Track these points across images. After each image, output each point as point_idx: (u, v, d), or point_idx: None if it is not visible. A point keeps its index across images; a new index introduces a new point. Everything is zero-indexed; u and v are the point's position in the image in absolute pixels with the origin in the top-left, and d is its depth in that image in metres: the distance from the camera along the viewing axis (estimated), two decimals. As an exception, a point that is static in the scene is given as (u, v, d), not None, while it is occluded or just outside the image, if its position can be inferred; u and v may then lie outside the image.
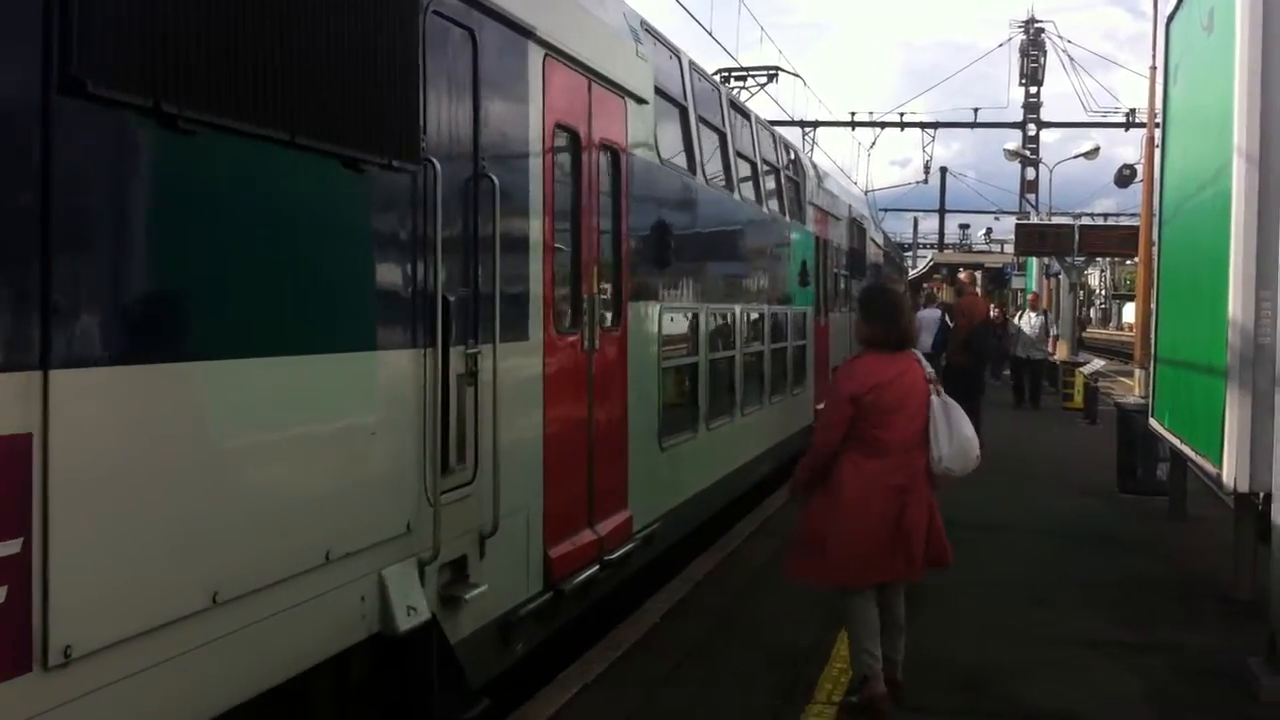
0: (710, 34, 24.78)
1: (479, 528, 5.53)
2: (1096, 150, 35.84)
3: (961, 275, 27.37)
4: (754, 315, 12.11)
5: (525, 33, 6.03)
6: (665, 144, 8.88)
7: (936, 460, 5.98)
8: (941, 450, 5.96)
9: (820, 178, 17.15)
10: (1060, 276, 30.50)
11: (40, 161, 3.07)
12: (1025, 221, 32.68)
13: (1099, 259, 46.90)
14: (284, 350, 4.06)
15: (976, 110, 44.89)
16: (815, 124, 42.92)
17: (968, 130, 45.78)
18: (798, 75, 23.13)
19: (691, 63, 10.00)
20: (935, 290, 35.66)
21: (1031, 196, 42.78)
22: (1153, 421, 10.61)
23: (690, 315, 9.69)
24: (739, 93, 17.39)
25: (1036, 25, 43.63)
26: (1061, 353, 28.89)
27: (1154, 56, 17.14)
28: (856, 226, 20.13)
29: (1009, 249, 43.53)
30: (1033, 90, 43.96)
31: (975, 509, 11.58)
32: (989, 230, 70.42)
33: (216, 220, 3.75)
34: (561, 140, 6.66)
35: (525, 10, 5.94)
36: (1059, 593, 8.48)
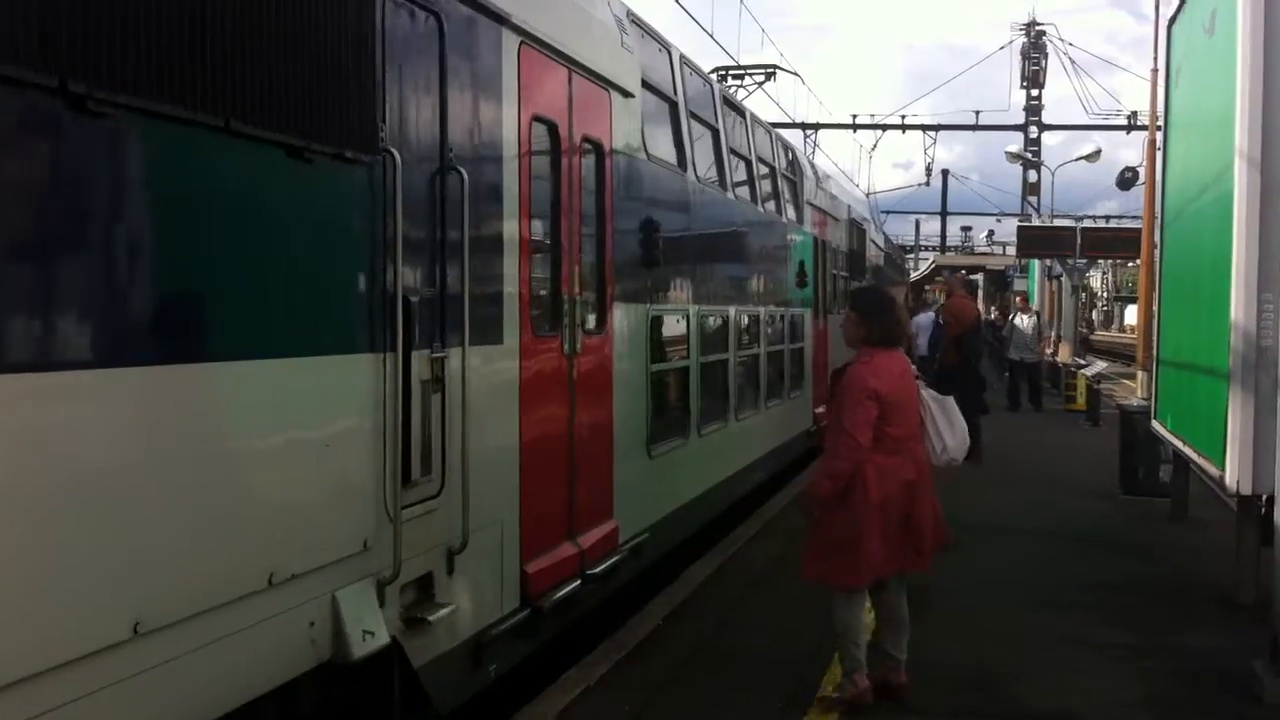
0: (711, 35, 24.84)
1: (447, 543, 5.22)
2: (1098, 153, 35.82)
3: (951, 277, 27.28)
4: (749, 317, 11.86)
5: (498, 19, 5.72)
6: (654, 140, 8.57)
7: (940, 451, 6.17)
8: (946, 441, 6.18)
9: (819, 178, 16.92)
10: (1062, 279, 30.49)
11: None
12: (1027, 224, 32.70)
13: (1101, 261, 46.91)
14: (215, 356, 3.75)
15: (978, 113, 44.80)
16: (816, 126, 43.02)
17: (970, 133, 45.79)
18: (796, 74, 22.99)
19: (683, 56, 9.70)
20: (936, 292, 35.61)
21: (1033, 199, 42.79)
22: (1155, 424, 10.61)
23: (681, 318, 9.42)
24: (736, 91, 17.13)
25: (1038, 28, 43.65)
26: (1064, 355, 28.90)
27: (1155, 59, 17.14)
28: (856, 227, 19.96)
29: (1011, 251, 43.53)
30: (1034, 93, 43.97)
31: (977, 510, 11.60)
32: (991, 232, 70.40)
33: (135, 212, 3.46)
34: (540, 134, 6.34)
35: None
36: (1061, 595, 8.46)
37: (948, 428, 6.19)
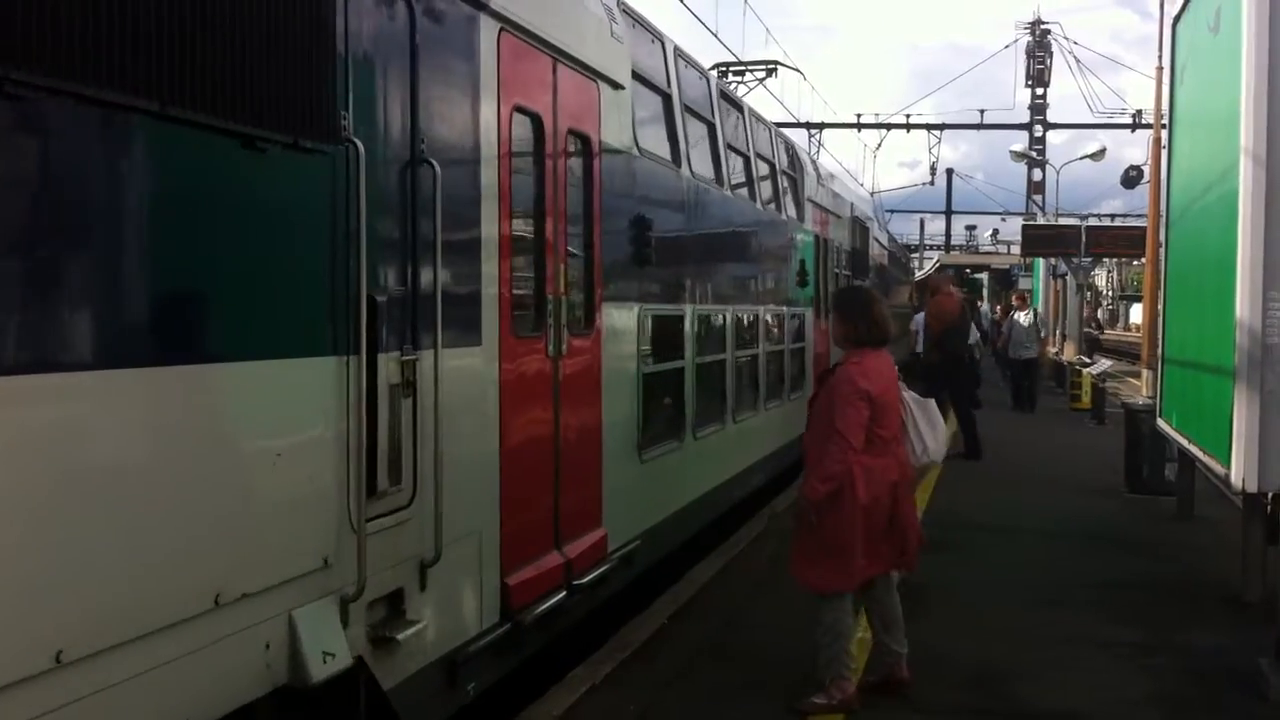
0: (715, 35, 24.87)
1: (419, 556, 4.93)
2: (1103, 151, 35.84)
3: (935, 275, 27.20)
4: (747, 317, 11.58)
5: (475, 4, 5.43)
6: (645, 134, 8.27)
7: (920, 453, 6.18)
8: (927, 443, 6.21)
9: (820, 175, 16.71)
10: (1067, 278, 30.49)
11: None
12: (1032, 222, 32.69)
13: (1106, 260, 46.87)
14: (151, 360, 3.45)
15: (983, 112, 44.81)
16: (821, 126, 43.04)
17: (975, 132, 45.80)
18: (797, 70, 22.84)
19: (677, 48, 9.40)
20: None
21: (1038, 198, 42.77)
22: (1160, 422, 10.61)
23: (675, 317, 9.14)
24: (737, 88, 16.90)
25: (1043, 27, 43.62)
26: (1069, 353, 28.88)
27: (1160, 57, 17.12)
28: (859, 225, 19.79)
29: (1016, 250, 43.51)
30: (1039, 92, 43.94)
31: (983, 509, 11.66)
32: (995, 231, 70.45)
33: (60, 206, 3.17)
34: (522, 125, 6.03)
35: None
36: (1066, 593, 8.43)
37: (928, 429, 6.22)
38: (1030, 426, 19.67)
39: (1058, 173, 42.07)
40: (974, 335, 19.81)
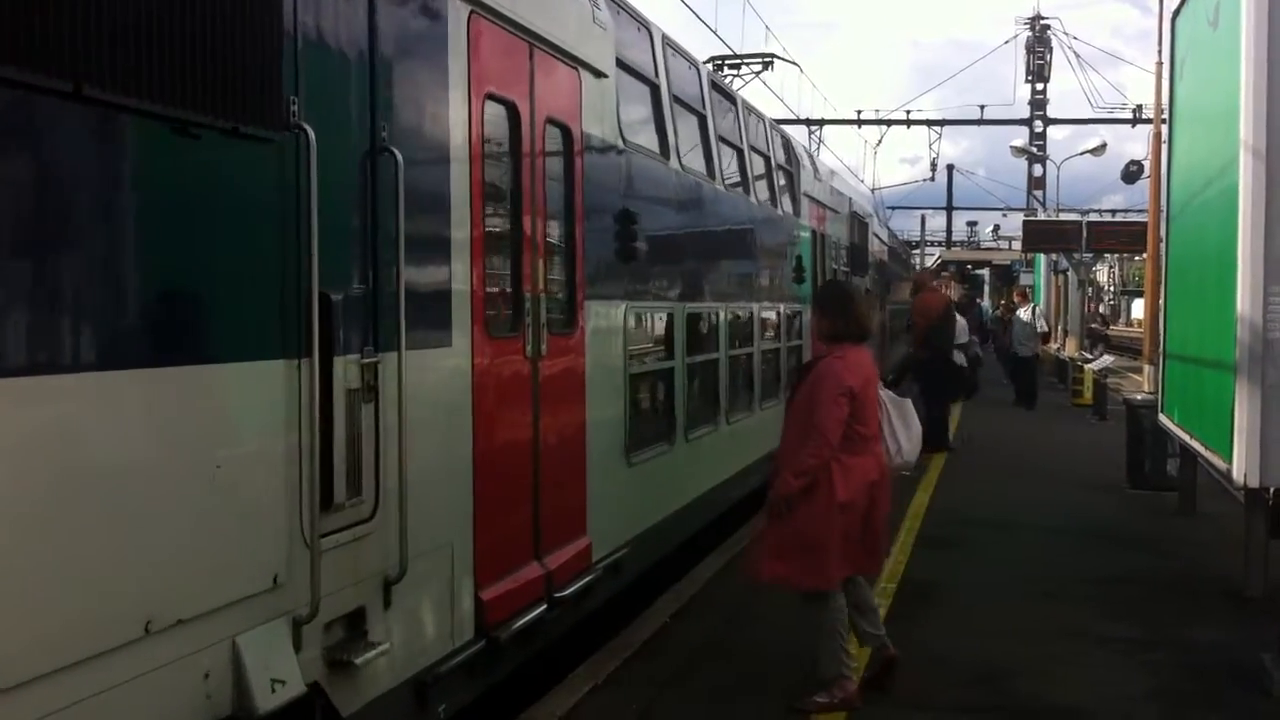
0: (715, 32, 24.85)
1: (382, 572, 4.64)
2: (1103, 147, 35.76)
3: (920, 271, 27.17)
4: (741, 314, 11.24)
5: None
6: (631, 124, 7.93)
7: (895, 453, 6.17)
8: (901, 444, 6.19)
9: (817, 169, 16.49)
10: (1068, 273, 30.46)
11: None
12: (1033, 218, 32.65)
13: (1108, 255, 46.83)
14: (70, 366, 3.17)
15: (983, 107, 44.80)
16: (821, 122, 42.99)
17: (976, 128, 45.79)
18: (795, 64, 22.76)
19: (665, 37, 9.07)
20: (944, 288, 35.60)
21: (1039, 193, 42.73)
22: (1162, 417, 10.61)
23: (664, 316, 8.84)
24: (733, 81, 16.63)
25: (1042, 22, 43.60)
26: (1070, 349, 28.86)
27: (1160, 52, 17.09)
28: (858, 221, 19.61)
29: (1017, 245, 43.47)
30: (1039, 87, 43.92)
31: (984, 505, 11.66)
32: (996, 227, 70.37)
33: None
34: (495, 114, 5.73)
35: None
36: (1068, 589, 8.44)
37: (903, 429, 6.21)
38: (1031, 422, 19.67)
39: (1058, 168, 42.01)
40: (966, 333, 19.89)
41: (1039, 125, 43.97)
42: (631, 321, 7.89)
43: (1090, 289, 40.71)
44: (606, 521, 7.15)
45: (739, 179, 11.37)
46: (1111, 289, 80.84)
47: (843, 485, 5.81)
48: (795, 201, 14.12)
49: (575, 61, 6.70)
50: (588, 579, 6.72)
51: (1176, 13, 10.31)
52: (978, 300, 36.65)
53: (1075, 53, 53.42)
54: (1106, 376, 21.35)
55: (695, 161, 9.74)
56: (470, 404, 5.37)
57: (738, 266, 11.31)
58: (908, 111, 45.23)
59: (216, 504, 3.67)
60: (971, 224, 75.26)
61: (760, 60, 18.64)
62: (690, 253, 9.63)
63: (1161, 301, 11.07)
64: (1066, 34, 54.25)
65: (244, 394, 3.80)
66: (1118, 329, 64.04)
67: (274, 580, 3.94)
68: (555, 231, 6.55)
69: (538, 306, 6.15)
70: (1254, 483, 7.30)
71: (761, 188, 12.45)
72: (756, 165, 12.17)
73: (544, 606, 6.10)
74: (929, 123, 45.70)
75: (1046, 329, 24.48)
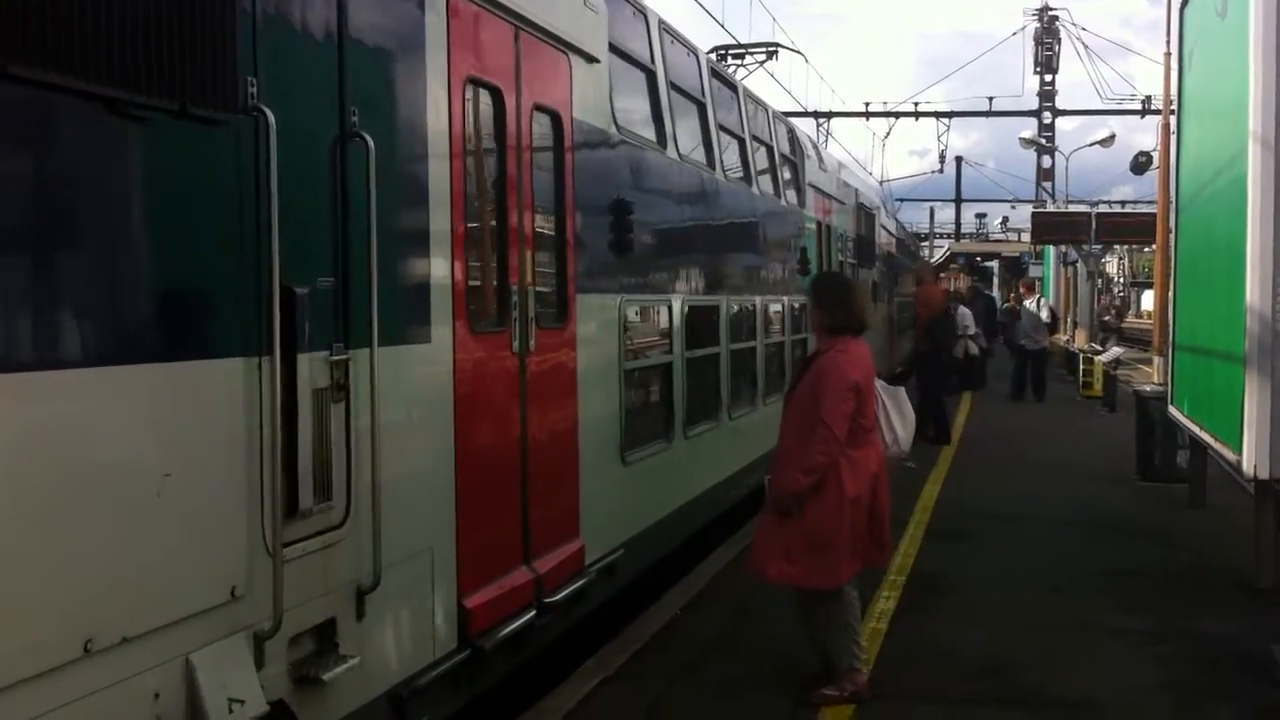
0: (722, 25, 24.84)
1: (355, 581, 4.42)
2: (1112, 138, 35.66)
3: (919, 264, 27.10)
4: (743, 307, 10.98)
5: None
6: (626, 111, 7.69)
7: (891, 443, 6.18)
8: (898, 433, 6.20)
9: (822, 159, 16.25)
10: (1078, 265, 30.41)
11: None
12: (1042, 210, 32.60)
13: (1117, 247, 46.74)
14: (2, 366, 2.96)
15: (991, 99, 44.68)
16: (829, 114, 42.88)
17: (985, 120, 45.59)
18: (799, 52, 22.60)
19: (662, 22, 8.77)
20: (954, 279, 35.53)
21: (1048, 184, 42.64)
22: (1172, 409, 10.59)
23: (662, 308, 8.60)
24: (736, 71, 16.16)
25: (1050, 13, 43.47)
26: (1080, 340, 28.80)
27: (1168, 42, 17.05)
28: (865, 212, 19.41)
29: (1026, 237, 43.39)
30: (1047, 78, 43.80)
31: (993, 497, 11.66)
32: (1005, 219, 70.18)
33: None
34: (477, 99, 5.49)
35: None
36: (1078, 581, 8.43)
37: (899, 419, 6.23)
38: (1041, 414, 19.63)
39: (1067, 159, 41.89)
40: (972, 326, 19.94)
41: (1048, 116, 43.85)
42: (627, 315, 7.69)
43: (1100, 281, 40.64)
44: (601, 522, 6.94)
45: (740, 169, 11.15)
46: (1121, 280, 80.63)
47: (851, 480, 5.80)
48: (800, 192, 13.92)
49: (565, 45, 6.47)
50: (580, 583, 6.52)
51: (1185, 3, 10.29)
52: (986, 292, 36.51)
53: (1084, 43, 53.34)
54: (1116, 368, 21.31)
55: (694, 151, 9.50)
56: (452, 402, 5.16)
57: (739, 259, 11.10)
58: (916, 104, 45.11)
59: (165, 513, 3.44)
60: (980, 216, 75.13)
61: (764, 49, 18.47)
62: (689, 245, 9.41)
63: (1171, 293, 11.04)
64: (1074, 25, 54.08)
65: (197, 395, 3.58)
66: (1127, 321, 63.94)
67: (231, 593, 3.72)
68: (545, 222, 6.32)
69: (525, 300, 5.92)
70: (1264, 474, 7.28)
71: (764, 178, 12.20)
72: (759, 155, 11.93)
73: (533, 613, 5.89)
74: (937, 114, 45.59)
75: (1052, 320, 24.33)
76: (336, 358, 4.23)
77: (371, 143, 4.35)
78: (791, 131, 14.29)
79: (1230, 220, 7.83)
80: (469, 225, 5.33)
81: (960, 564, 8.88)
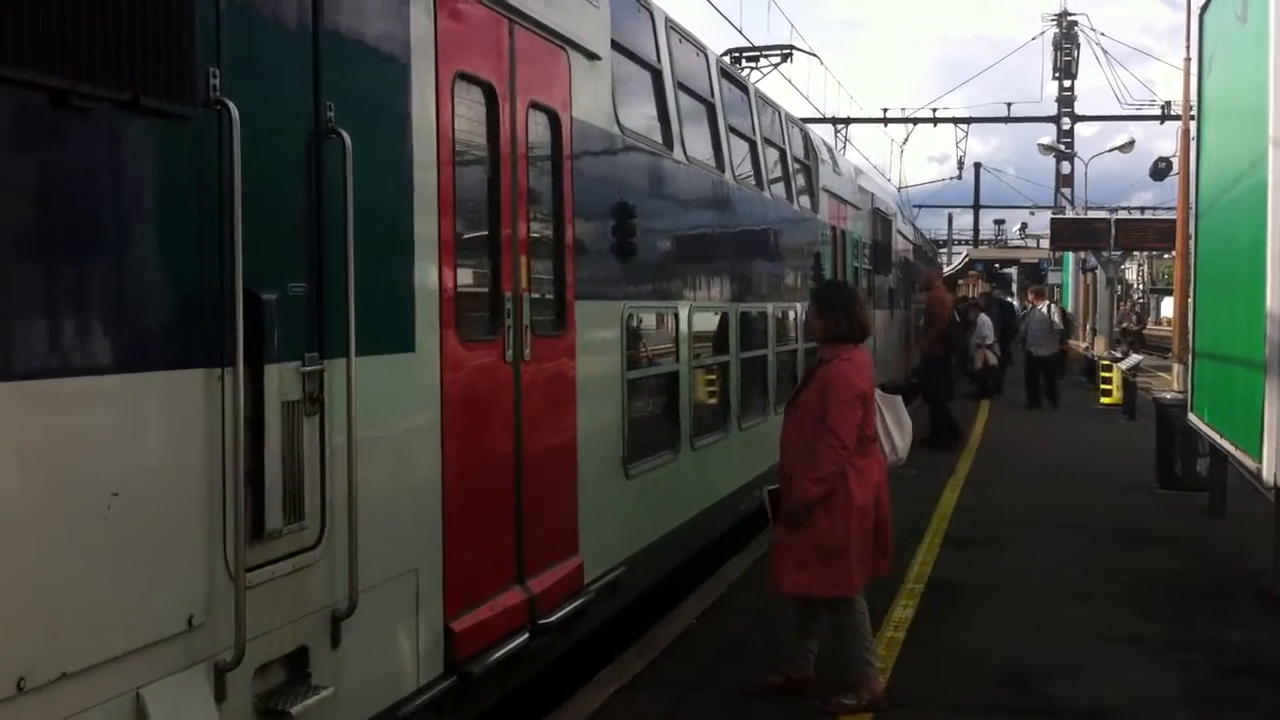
0: (740, 31, 24.87)
1: (329, 606, 4.16)
2: (1132, 144, 35.53)
3: (928, 270, 27.06)
4: (754, 314, 10.72)
5: None
6: (629, 111, 7.44)
7: (890, 452, 6.19)
8: (896, 442, 6.21)
9: (836, 163, 16.05)
10: (1097, 271, 30.27)
11: None
12: (1061, 216, 32.47)
13: (1137, 253, 46.53)
14: None
15: (1010, 105, 44.57)
16: (847, 121, 42.78)
17: (1004, 126, 45.51)
18: (814, 55, 22.46)
19: (668, 19, 8.48)
20: (970, 286, 35.43)
21: (1067, 191, 42.45)
22: (1192, 416, 10.53)
23: (669, 316, 8.34)
24: (751, 74, 15.93)
25: (1070, 19, 43.32)
26: (1099, 348, 28.66)
27: (1188, 48, 16.99)
28: (881, 218, 19.29)
29: (1045, 243, 43.22)
30: (1066, 84, 43.63)
31: (1013, 505, 11.62)
32: (1024, 225, 69.96)
33: None
34: (468, 95, 5.25)
35: None
36: (1098, 589, 8.39)
37: (897, 428, 6.23)
38: (1060, 422, 19.54)
39: (1086, 165, 41.68)
40: (990, 336, 19.96)
41: (1067, 122, 43.66)
42: (630, 323, 7.42)
43: (1119, 287, 40.46)
44: (601, 539, 6.67)
45: (751, 172, 10.92)
46: (1140, 287, 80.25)
47: (858, 489, 5.81)
48: (813, 197, 13.72)
49: (563, 41, 6.22)
50: (579, 602, 6.25)
51: (1205, 8, 10.25)
52: (1003, 299, 36.38)
53: (1103, 49, 53.09)
54: (1136, 375, 21.20)
55: (702, 153, 9.22)
56: (439, 414, 4.90)
57: (750, 264, 10.80)
58: (934, 110, 45.15)
59: (112, 537, 3.19)
60: (999, 222, 74.91)
61: (779, 52, 18.35)
62: (697, 250, 9.12)
63: (1191, 299, 10.98)
64: (1094, 30, 53.97)
65: (148, 410, 3.34)
66: (1147, 328, 63.65)
67: (189, 621, 3.47)
68: (541, 226, 6.08)
69: (519, 307, 5.65)
70: (1285, 482, 7.24)
71: (776, 181, 11.97)
72: (771, 158, 11.71)
73: (526, 635, 5.60)
74: (956, 121, 45.46)
75: (1063, 327, 24.17)
76: (309, 368, 4.00)
77: (349, 140, 4.12)
78: (805, 135, 14.09)
79: (1251, 226, 7.79)
80: (458, 228, 5.10)
81: (979, 572, 8.83)
